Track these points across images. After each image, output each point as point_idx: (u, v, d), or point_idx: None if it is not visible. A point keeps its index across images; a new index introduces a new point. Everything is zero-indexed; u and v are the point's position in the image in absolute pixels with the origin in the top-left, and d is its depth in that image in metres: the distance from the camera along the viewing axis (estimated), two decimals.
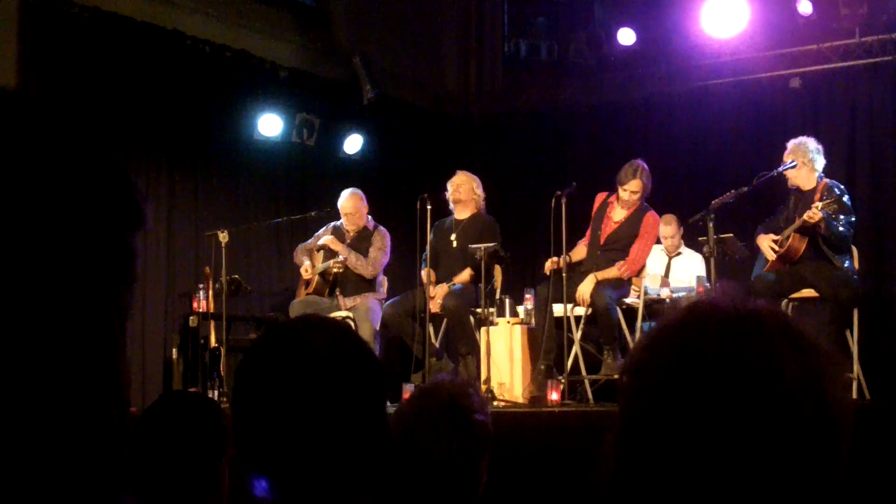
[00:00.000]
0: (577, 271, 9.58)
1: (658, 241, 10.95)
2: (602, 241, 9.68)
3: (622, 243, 9.60)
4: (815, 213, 8.63)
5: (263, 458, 2.11)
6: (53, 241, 0.99)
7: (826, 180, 9.13)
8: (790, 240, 8.93)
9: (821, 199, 8.84)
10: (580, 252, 9.77)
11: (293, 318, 2.80)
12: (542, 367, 9.32)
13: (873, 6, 11.52)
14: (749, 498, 1.28)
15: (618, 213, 9.71)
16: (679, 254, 11.30)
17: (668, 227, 11.09)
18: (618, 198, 9.69)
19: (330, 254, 10.39)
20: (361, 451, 2.12)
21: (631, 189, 9.55)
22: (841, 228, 8.79)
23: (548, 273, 9.47)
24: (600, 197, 9.88)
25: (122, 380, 1.06)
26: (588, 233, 9.85)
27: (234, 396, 2.22)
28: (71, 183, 1.02)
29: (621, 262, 9.50)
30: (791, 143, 9.19)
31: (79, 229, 1.01)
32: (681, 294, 10.24)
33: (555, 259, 9.41)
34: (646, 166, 9.61)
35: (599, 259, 9.62)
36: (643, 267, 9.80)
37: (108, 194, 1.05)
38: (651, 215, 9.67)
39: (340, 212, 10.54)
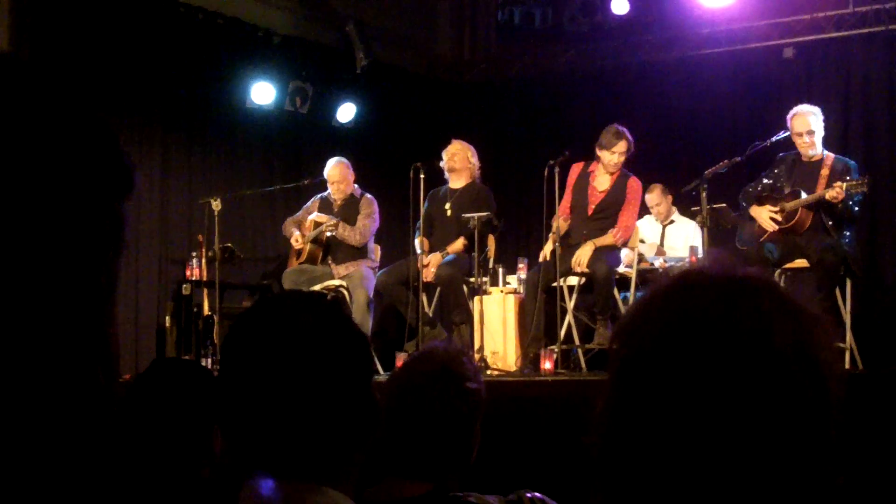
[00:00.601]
0: (567, 243, 9.56)
1: (648, 212, 11.03)
2: (590, 212, 9.65)
3: (611, 211, 9.58)
4: (839, 193, 8.57)
5: (247, 428, 2.11)
6: (40, 205, 0.99)
7: (832, 154, 9.11)
8: (799, 213, 8.88)
9: (830, 174, 8.82)
10: (561, 226, 9.72)
11: (280, 292, 2.79)
12: (531, 354, 9.30)
13: None
14: (739, 461, 1.29)
15: (602, 182, 9.68)
16: (672, 221, 11.30)
17: (651, 196, 11.11)
18: (600, 165, 9.66)
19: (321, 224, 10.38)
20: (346, 422, 2.12)
21: (619, 150, 9.51)
22: (856, 208, 8.78)
23: (545, 259, 9.46)
24: (577, 167, 9.80)
25: (109, 346, 1.06)
26: (567, 205, 9.77)
27: (220, 367, 2.22)
28: (60, 148, 1.02)
29: (614, 230, 9.49)
30: (803, 109, 9.10)
31: (67, 194, 1.01)
32: (674, 263, 10.25)
33: (545, 253, 9.45)
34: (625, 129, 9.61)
35: (590, 229, 9.60)
36: (633, 232, 9.81)
37: (97, 160, 1.05)
38: (634, 180, 9.66)
39: (327, 181, 10.52)
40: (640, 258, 9.86)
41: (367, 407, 2.17)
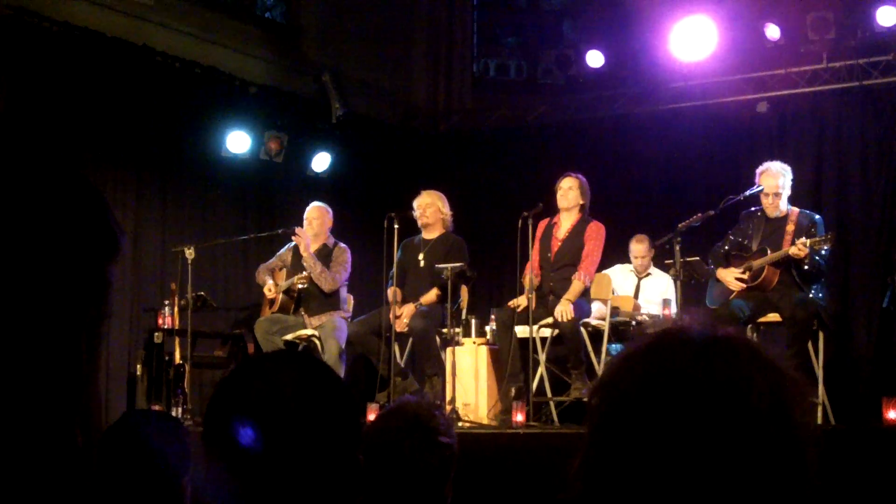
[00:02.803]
0: (540, 293, 9.56)
1: (625, 260, 11.06)
2: (553, 260, 9.66)
3: (571, 256, 9.58)
4: (802, 249, 8.58)
5: (237, 488, 2.06)
6: (26, 265, 0.98)
7: (796, 209, 9.12)
8: (765, 271, 8.89)
9: (796, 229, 8.84)
10: (534, 281, 9.74)
11: (265, 354, 2.69)
12: (513, 390, 9.26)
13: (841, 32, 11.58)
14: None
15: (562, 231, 9.72)
16: (648, 274, 11.28)
17: (640, 246, 11.11)
18: (561, 216, 9.72)
19: (293, 272, 10.35)
20: (333, 486, 2.08)
21: (564, 186, 9.62)
22: (822, 263, 8.78)
23: (512, 308, 9.49)
24: (543, 223, 9.81)
25: (89, 407, 1.04)
26: (535, 261, 9.78)
27: (204, 432, 2.14)
28: (48, 211, 1.01)
29: (576, 274, 9.49)
30: (773, 167, 9.12)
31: (53, 256, 1.00)
32: (647, 317, 10.27)
33: (517, 302, 9.46)
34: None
35: (554, 279, 9.60)
36: (606, 281, 9.84)
37: (84, 222, 1.04)
38: (594, 224, 9.67)
39: (305, 220, 10.51)
40: (615, 312, 9.86)
41: (351, 474, 2.11)
